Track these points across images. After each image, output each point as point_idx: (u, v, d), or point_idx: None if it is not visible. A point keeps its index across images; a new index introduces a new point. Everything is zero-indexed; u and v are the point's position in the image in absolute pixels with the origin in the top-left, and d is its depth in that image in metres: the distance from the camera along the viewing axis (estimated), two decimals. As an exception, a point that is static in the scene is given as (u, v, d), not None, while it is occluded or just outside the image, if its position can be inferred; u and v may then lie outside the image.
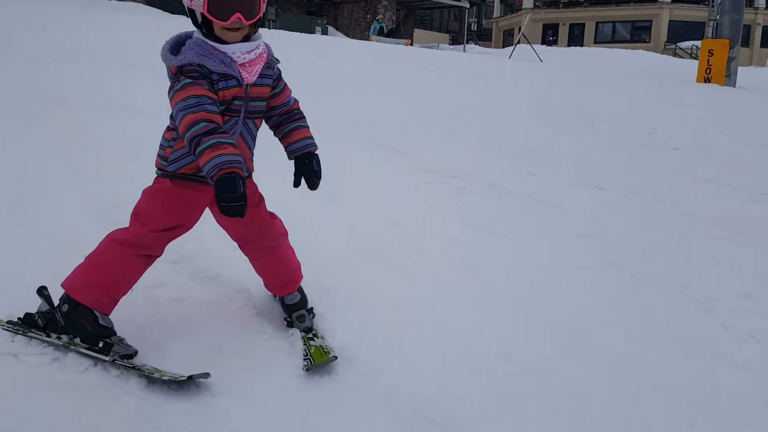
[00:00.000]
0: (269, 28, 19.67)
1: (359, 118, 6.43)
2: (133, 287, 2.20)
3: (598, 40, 35.67)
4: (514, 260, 3.27)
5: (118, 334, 2.12)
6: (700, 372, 2.39)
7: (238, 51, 2.05)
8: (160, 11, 18.64)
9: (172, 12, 18.60)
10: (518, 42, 21.91)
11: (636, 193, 4.77)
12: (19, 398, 1.88)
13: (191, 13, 2.04)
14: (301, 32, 18.14)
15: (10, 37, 8.69)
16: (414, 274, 2.99)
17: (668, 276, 3.24)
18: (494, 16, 44.07)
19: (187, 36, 2.08)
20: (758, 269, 3.42)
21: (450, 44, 32.73)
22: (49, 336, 2.14)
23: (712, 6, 14.96)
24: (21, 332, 2.16)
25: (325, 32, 22.87)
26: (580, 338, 2.54)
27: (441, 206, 4.06)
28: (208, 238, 3.06)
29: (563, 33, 37.15)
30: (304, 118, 2.35)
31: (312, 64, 9.89)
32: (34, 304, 2.22)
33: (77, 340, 2.11)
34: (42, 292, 2.21)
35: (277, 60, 2.25)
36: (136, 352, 2.09)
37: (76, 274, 2.14)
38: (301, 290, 2.47)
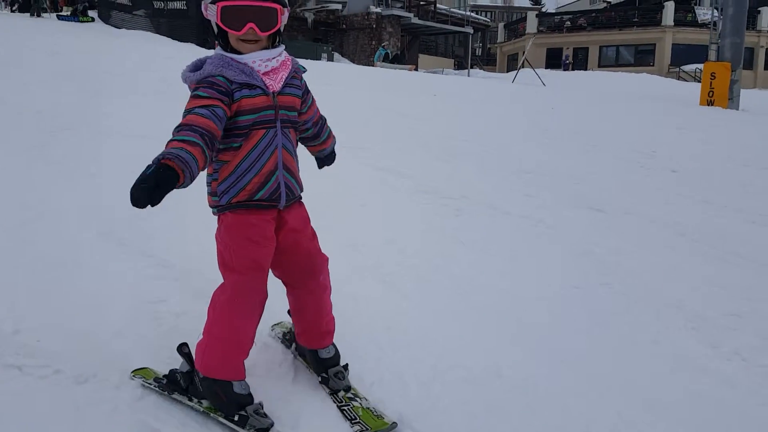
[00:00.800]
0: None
1: (361, 142, 6.53)
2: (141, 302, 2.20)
3: (602, 64, 35.88)
4: (507, 278, 3.33)
5: (255, 401, 2.03)
6: (686, 388, 2.43)
7: (258, 60, 2.00)
8: (168, 39, 18.96)
9: (181, 40, 18.92)
10: (522, 66, 22.13)
11: (632, 214, 4.83)
12: (20, 409, 1.95)
13: (212, 26, 2.02)
14: (308, 59, 18.41)
15: (20, 65, 8.90)
16: (407, 291, 3.06)
17: (659, 295, 3.29)
18: (498, 41, 44.52)
19: (204, 59, 2.05)
20: (749, 289, 3.47)
21: (455, 69, 33.07)
22: (191, 400, 2.08)
23: (714, 29, 15.11)
24: (166, 393, 2.10)
25: (331, 58, 23.17)
26: (569, 354, 2.59)
27: (438, 226, 4.14)
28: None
29: (567, 57, 37.43)
30: (328, 130, 2.46)
31: (317, 89, 10.03)
32: (29, 315, 2.30)
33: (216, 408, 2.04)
34: (182, 350, 2.11)
35: (304, 68, 2.19)
36: (271, 425, 1.99)
37: (203, 352, 2.05)
38: (333, 343, 2.31)
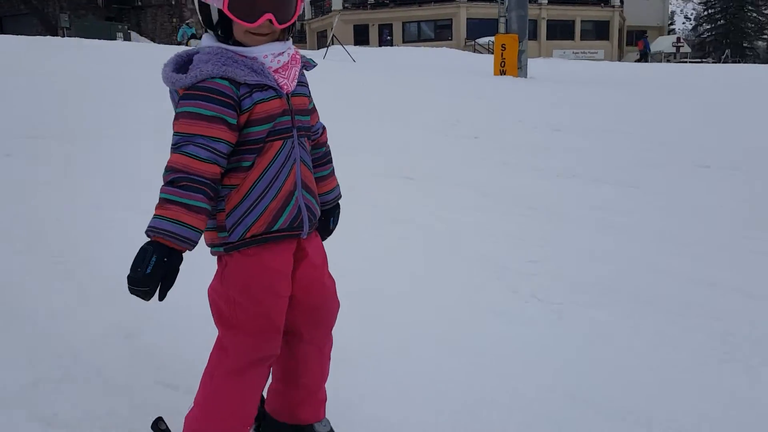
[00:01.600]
0: (62, 36, 18.26)
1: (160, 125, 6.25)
2: None
3: (406, 40, 37.49)
4: (330, 252, 3.41)
5: None
6: (493, 333, 2.68)
7: (270, 54, 1.61)
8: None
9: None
10: (331, 43, 22.35)
11: (441, 180, 5.18)
12: None
13: (202, 9, 1.59)
14: (101, 39, 17.04)
15: None
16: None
17: (468, 250, 3.58)
18: (306, 18, 44.52)
19: (191, 54, 1.63)
20: (542, 237, 3.90)
21: (264, 47, 32.53)
22: None
23: (502, 3, 16.36)
24: None
25: (128, 38, 21.69)
26: (388, 314, 2.75)
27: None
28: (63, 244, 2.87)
29: (374, 33, 38.51)
30: (332, 158, 1.93)
31: (116, 73, 9.39)
32: None
33: None
34: (158, 426, 1.72)
35: (314, 63, 1.78)
36: None
37: (198, 427, 1.66)
38: None
